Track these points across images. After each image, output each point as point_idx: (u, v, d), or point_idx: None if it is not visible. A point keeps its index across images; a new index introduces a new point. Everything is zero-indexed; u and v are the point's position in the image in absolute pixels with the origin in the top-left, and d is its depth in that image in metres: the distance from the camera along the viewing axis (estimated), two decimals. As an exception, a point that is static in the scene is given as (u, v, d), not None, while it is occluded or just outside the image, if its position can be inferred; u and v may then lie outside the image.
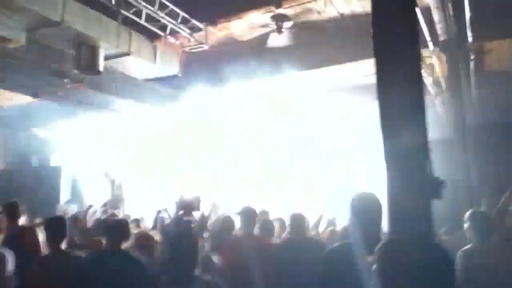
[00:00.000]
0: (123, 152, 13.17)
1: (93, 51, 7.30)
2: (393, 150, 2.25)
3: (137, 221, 6.59)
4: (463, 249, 3.79)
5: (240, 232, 4.78)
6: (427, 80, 8.53)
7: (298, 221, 4.48)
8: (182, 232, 3.10)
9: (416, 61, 2.50)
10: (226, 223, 4.84)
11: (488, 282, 3.47)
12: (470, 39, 7.20)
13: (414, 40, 2.56)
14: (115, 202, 10.29)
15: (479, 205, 5.23)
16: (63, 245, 3.92)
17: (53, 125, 12.76)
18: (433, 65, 8.48)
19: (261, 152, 11.86)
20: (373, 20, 2.67)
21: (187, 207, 3.49)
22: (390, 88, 2.44)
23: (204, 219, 3.41)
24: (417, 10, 6.40)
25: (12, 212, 4.73)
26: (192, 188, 4.03)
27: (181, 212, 4.03)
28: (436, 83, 8.78)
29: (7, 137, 12.76)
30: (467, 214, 3.99)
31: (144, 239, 4.07)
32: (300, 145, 11.13)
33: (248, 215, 4.64)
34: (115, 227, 3.65)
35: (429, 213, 2.09)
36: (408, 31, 2.53)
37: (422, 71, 8.19)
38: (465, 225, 3.96)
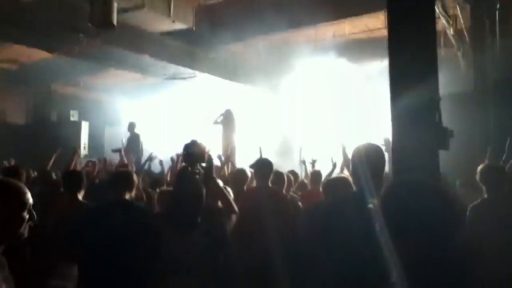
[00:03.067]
0: (144, 108, 13.33)
1: (107, 4, 7.22)
2: (401, 101, 2.19)
3: None
4: (473, 203, 3.77)
5: (254, 184, 4.83)
6: (449, 31, 8.24)
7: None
8: (184, 182, 3.10)
9: (431, 16, 2.41)
10: (239, 176, 4.88)
11: (496, 234, 3.45)
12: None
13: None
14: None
15: (494, 159, 5.14)
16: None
17: (72, 81, 12.89)
18: (457, 15, 8.17)
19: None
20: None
21: (192, 158, 3.41)
22: (401, 41, 2.37)
23: (208, 170, 3.38)
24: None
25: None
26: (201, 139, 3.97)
27: (184, 163, 3.96)
28: (459, 35, 8.47)
29: (27, 93, 12.94)
30: (479, 168, 3.93)
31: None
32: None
33: (263, 167, 4.67)
34: (118, 178, 3.67)
35: (435, 162, 2.05)
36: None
37: (445, 23, 7.93)
38: (478, 179, 3.92)
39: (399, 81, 2.30)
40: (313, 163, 6.76)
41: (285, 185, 4.83)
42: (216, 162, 6.43)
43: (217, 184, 3.55)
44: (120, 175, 3.74)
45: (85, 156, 10.68)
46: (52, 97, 13.04)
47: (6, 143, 10.35)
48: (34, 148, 10.59)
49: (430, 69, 2.29)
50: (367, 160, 2.54)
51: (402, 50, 2.35)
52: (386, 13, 2.68)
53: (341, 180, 3.96)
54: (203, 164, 3.49)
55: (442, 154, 5.87)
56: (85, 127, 11.90)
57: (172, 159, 6.00)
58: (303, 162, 7.20)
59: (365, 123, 10.02)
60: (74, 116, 12.26)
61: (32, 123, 12.82)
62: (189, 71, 10.68)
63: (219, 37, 9.85)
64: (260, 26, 8.96)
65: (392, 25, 2.47)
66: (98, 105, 13.76)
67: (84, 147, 11.62)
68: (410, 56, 2.30)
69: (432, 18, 2.52)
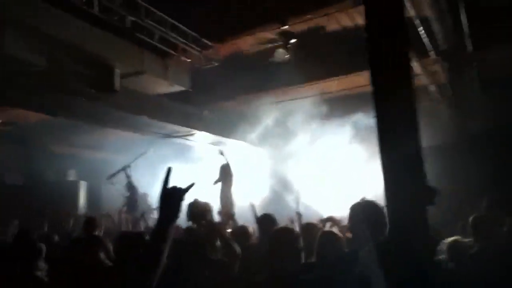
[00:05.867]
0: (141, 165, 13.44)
1: (109, 71, 7.67)
2: (389, 159, 2.45)
3: None
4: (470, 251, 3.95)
5: (257, 239, 5.02)
6: (431, 87, 8.78)
7: None
8: (187, 243, 3.30)
9: (407, 74, 2.69)
10: (240, 233, 5.08)
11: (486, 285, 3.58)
12: (470, 47, 7.45)
13: (405, 54, 2.77)
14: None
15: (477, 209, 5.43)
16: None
17: (69, 141, 13.11)
18: (436, 72, 8.72)
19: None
20: (366, 33, 2.86)
21: (195, 216, 3.67)
22: (385, 99, 2.62)
23: (211, 230, 3.55)
24: (417, 21, 6.71)
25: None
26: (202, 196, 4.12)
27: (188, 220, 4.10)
28: (440, 89, 9.02)
29: (24, 153, 13.10)
30: (471, 218, 4.17)
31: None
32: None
33: (267, 222, 4.87)
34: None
35: (424, 219, 2.34)
36: (399, 46, 2.73)
37: (425, 78, 8.42)
38: (470, 228, 4.16)
39: (386, 137, 2.53)
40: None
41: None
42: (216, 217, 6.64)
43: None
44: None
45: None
46: (48, 157, 13.21)
47: (3, 203, 10.43)
48: (31, 208, 10.64)
49: (412, 125, 2.47)
50: (365, 217, 2.78)
51: (386, 108, 2.60)
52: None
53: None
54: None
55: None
56: (82, 186, 12.06)
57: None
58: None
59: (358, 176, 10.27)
60: (71, 175, 12.43)
61: (29, 183, 12.91)
62: (185, 129, 11.05)
63: (213, 97, 10.37)
64: (251, 85, 9.48)
65: (375, 84, 2.67)
66: (95, 163, 13.92)
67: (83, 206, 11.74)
68: (395, 113, 2.53)
69: (410, 76, 2.68)
